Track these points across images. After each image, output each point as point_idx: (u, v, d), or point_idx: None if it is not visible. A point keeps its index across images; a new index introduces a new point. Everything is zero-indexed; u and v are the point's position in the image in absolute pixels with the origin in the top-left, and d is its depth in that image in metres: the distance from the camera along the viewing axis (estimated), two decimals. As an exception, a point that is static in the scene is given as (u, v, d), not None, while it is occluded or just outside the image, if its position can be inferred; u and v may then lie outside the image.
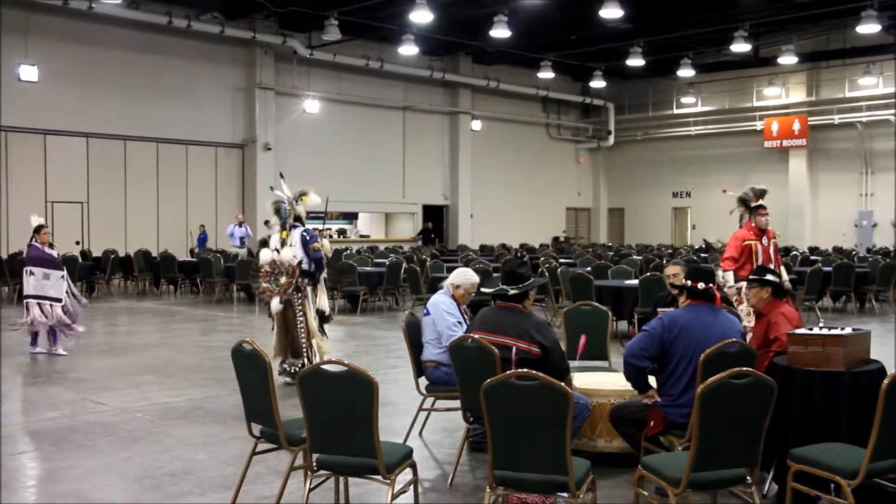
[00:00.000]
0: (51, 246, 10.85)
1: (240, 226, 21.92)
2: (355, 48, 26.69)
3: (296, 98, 26.66)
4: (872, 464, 4.22)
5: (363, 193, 28.29)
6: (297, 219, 9.06)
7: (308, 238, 8.87)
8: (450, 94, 31.10)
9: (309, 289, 8.90)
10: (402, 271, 16.27)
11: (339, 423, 4.33)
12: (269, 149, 25.76)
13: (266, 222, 9.42)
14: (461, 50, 29.07)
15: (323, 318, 9.11)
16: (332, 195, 30.94)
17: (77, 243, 22.19)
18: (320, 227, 9.86)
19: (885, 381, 4.17)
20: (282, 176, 9.49)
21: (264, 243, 9.84)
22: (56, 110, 21.90)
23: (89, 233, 22.66)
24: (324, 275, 9.15)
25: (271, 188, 9.38)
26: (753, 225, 9.03)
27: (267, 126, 25.81)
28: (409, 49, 24.01)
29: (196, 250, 22.27)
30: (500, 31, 21.53)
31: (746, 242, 8.86)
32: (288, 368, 8.90)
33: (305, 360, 8.75)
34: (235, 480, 5.19)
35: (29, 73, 21.51)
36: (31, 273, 10.68)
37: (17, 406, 7.92)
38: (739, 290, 8.31)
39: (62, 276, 10.68)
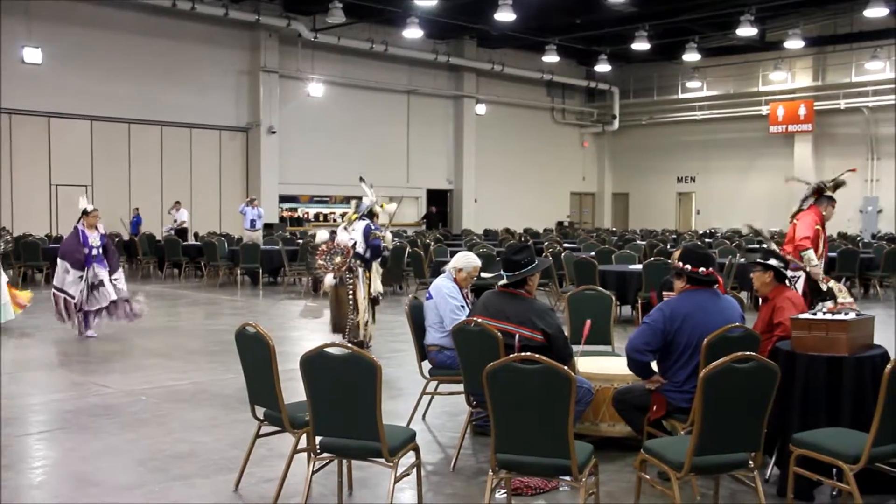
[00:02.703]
0: (96, 229, 10.73)
1: (250, 206, 21.55)
2: (359, 31, 26.63)
3: (300, 81, 26.62)
4: (874, 448, 4.22)
5: (367, 177, 28.05)
6: (370, 215, 9.89)
7: (372, 228, 9.68)
8: (454, 77, 31.03)
9: (361, 271, 9.61)
10: (406, 255, 16.27)
11: (342, 407, 4.34)
12: (274, 132, 25.74)
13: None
14: (466, 33, 28.98)
15: (374, 301, 9.83)
16: (335, 179, 30.84)
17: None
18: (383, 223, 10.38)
19: (888, 367, 4.16)
20: (362, 179, 10.56)
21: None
22: (60, 93, 21.91)
23: (94, 216, 22.65)
24: (379, 263, 9.92)
25: (361, 178, 10.63)
26: (824, 214, 8.71)
27: (271, 109, 25.78)
28: (413, 32, 23.93)
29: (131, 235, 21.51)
30: (505, 15, 21.45)
31: (817, 227, 8.61)
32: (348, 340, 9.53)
33: (351, 335, 9.54)
34: (239, 463, 5.22)
35: (33, 55, 21.51)
36: (59, 262, 10.70)
37: (22, 388, 7.94)
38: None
39: (80, 276, 10.51)
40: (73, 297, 10.47)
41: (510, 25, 24.23)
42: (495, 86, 31.96)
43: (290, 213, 29.22)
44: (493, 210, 31.65)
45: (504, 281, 5.71)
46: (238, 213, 22.08)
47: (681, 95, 33.30)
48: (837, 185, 8.68)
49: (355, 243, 9.58)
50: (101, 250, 10.69)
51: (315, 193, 29.83)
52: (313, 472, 4.55)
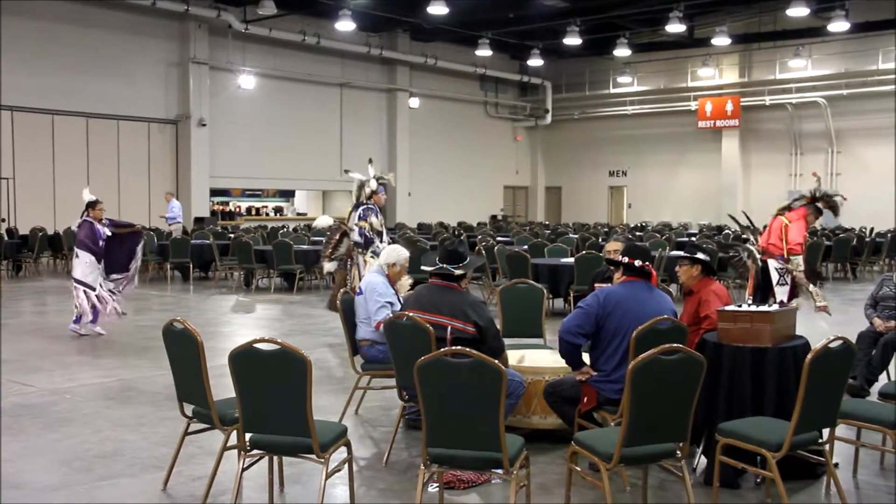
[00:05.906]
0: (101, 221, 10.59)
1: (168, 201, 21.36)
2: (291, 23, 26.32)
3: (231, 73, 26.21)
4: (796, 436, 4.34)
5: (300, 171, 28.03)
6: (369, 197, 10.39)
7: (361, 216, 10.32)
8: (387, 70, 30.91)
9: (360, 258, 10.24)
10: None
11: (272, 403, 4.29)
12: (204, 125, 25.30)
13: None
14: (399, 26, 28.87)
15: None
16: (267, 172, 30.57)
17: (2, 220, 21.57)
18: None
19: (809, 357, 4.28)
20: (370, 161, 10.88)
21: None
22: (-21, 83, 21.18)
23: (15, 210, 22.03)
24: (375, 247, 10.27)
25: (346, 171, 11.20)
26: (808, 220, 8.86)
27: (201, 101, 25.32)
28: (346, 25, 23.77)
29: None
30: (438, 8, 21.43)
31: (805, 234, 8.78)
32: None
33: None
34: (168, 461, 5.13)
35: (-50, 44, 20.75)
36: (77, 255, 10.52)
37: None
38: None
39: (96, 265, 10.44)
40: (93, 289, 10.38)
41: (443, 19, 24.22)
42: (428, 79, 31.93)
43: (221, 207, 28.79)
44: (426, 204, 31.64)
45: (459, 272, 5.68)
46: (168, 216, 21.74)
47: (612, 90, 33.70)
48: (831, 206, 8.80)
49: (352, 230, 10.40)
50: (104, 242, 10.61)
51: (247, 187, 29.46)
52: (243, 470, 4.49)
